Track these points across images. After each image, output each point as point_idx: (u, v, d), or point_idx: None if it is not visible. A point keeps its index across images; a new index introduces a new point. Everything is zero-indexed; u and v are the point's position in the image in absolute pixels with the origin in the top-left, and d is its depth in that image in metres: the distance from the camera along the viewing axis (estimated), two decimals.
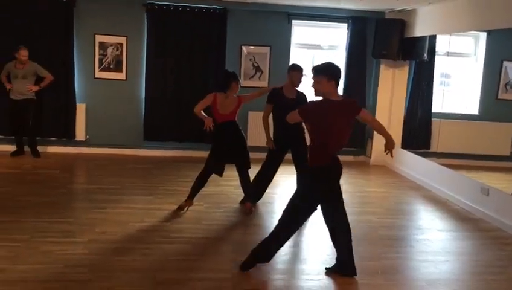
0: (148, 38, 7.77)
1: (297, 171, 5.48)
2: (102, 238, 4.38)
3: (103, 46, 7.78)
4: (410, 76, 8.27)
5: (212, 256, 4.18)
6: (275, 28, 8.07)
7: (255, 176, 5.51)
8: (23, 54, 7.09)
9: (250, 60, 8.07)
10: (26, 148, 7.50)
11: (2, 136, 7.65)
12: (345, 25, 8.16)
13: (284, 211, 3.83)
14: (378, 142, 8.32)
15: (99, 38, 7.74)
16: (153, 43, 7.79)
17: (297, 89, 5.48)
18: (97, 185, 6.11)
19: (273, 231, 3.86)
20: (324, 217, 3.96)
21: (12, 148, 7.50)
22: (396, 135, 8.21)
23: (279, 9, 7.88)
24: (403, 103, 8.26)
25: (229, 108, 5.19)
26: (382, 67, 8.21)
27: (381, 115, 8.28)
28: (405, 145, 8.07)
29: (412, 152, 7.74)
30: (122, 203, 5.41)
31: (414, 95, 8.32)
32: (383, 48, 7.79)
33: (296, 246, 4.57)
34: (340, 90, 8.25)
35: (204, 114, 5.13)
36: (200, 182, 5.31)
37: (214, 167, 5.27)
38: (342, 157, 3.77)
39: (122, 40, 7.78)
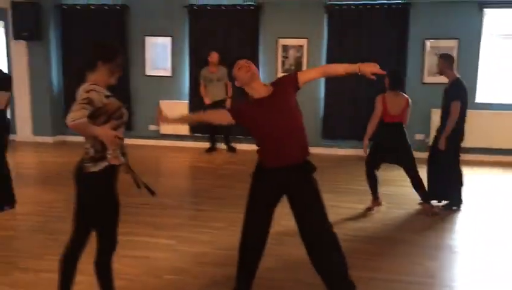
0: (329, 39, 7.94)
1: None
2: (286, 230, 4.62)
3: (285, 48, 8.20)
4: None
5: (392, 257, 4.12)
6: (463, 18, 7.52)
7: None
8: (214, 56, 7.92)
9: (435, 54, 7.65)
10: (218, 146, 8.33)
11: (199, 134, 8.62)
12: None
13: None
14: None
15: (282, 42, 8.19)
16: (332, 43, 7.93)
17: (453, 79, 5.15)
18: None
19: None
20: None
21: (206, 145, 8.41)
22: None
23: None
24: None
25: (399, 108, 5.10)
26: None
27: None
28: None
29: None
30: None
31: None
32: None
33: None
34: None
35: None
36: (371, 180, 5.29)
37: (371, 163, 5.28)
38: None
39: (303, 42, 8.10)
